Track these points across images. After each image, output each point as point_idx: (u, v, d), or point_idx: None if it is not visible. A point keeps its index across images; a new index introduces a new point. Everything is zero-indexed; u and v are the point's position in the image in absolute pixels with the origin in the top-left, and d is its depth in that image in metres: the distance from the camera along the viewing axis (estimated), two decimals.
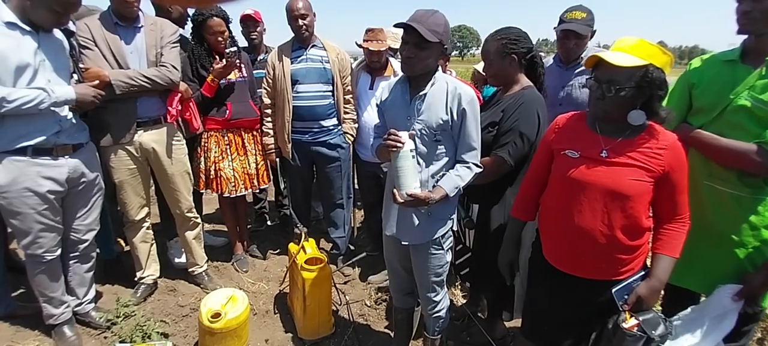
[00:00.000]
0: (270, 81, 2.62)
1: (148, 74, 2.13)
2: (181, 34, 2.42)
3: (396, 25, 1.55)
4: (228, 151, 2.66)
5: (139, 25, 2.19)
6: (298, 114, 2.61)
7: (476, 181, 1.71)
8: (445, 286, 1.83)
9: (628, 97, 1.24)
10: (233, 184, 2.67)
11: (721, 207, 1.52)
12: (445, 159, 1.62)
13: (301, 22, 2.51)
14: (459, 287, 2.73)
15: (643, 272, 1.38)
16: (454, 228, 1.75)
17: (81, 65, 2.07)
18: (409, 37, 1.51)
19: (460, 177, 1.58)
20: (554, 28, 2.30)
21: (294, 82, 2.57)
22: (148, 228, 2.44)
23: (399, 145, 1.47)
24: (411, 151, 1.50)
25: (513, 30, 1.81)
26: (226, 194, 2.67)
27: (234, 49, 2.45)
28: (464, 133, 1.58)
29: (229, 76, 2.56)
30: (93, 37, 2.07)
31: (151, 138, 2.27)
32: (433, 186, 1.59)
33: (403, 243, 1.71)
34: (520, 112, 1.72)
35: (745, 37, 1.47)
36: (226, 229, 3.07)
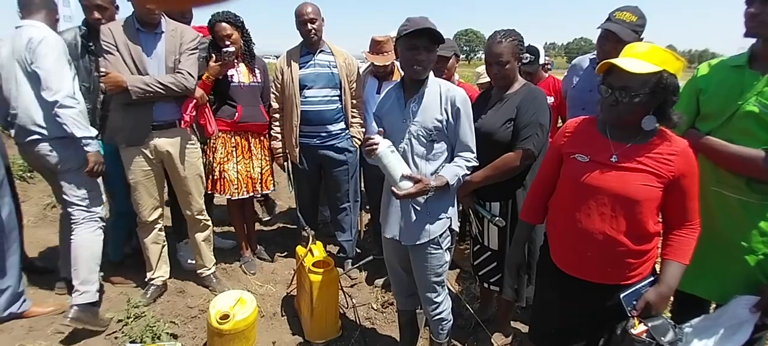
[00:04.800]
0: (278, 86, 2.65)
1: (163, 81, 2.18)
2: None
3: (412, 33, 1.54)
4: (234, 153, 2.69)
5: (161, 32, 2.24)
6: (306, 118, 2.63)
7: (502, 177, 1.82)
8: (446, 287, 1.84)
9: (641, 103, 1.24)
10: (236, 186, 2.69)
11: (730, 213, 1.51)
12: (443, 157, 1.67)
13: (310, 26, 2.54)
14: (463, 293, 2.73)
15: (652, 278, 1.37)
16: (474, 230, 1.76)
17: (102, 69, 2.14)
18: (419, 42, 1.55)
19: (460, 168, 1.63)
20: (597, 27, 2.04)
21: (302, 87, 2.60)
22: (160, 229, 2.48)
23: (375, 145, 1.54)
24: (388, 147, 1.55)
25: (515, 31, 1.87)
26: (228, 196, 2.71)
27: (230, 49, 2.49)
28: (460, 132, 1.64)
29: (243, 79, 2.62)
30: (115, 42, 2.14)
31: (166, 141, 2.31)
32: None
33: (402, 244, 1.73)
34: (537, 105, 1.81)
35: (754, 41, 1.46)
36: (233, 231, 3.10)
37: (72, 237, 2.20)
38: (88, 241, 2.21)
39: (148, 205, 2.37)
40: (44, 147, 2.08)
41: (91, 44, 2.35)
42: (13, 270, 2.17)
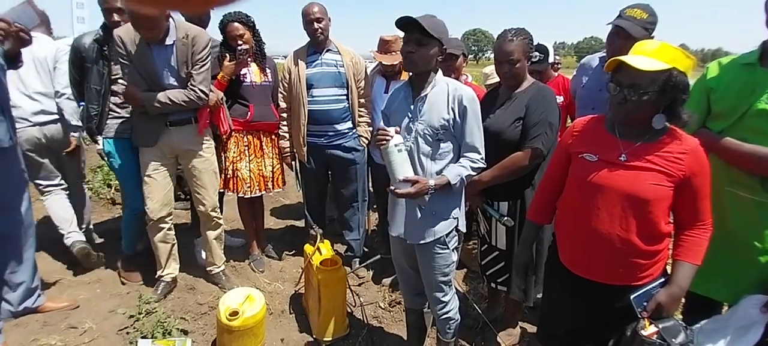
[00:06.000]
0: (286, 85, 2.67)
1: (176, 99, 2.23)
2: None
3: (397, 22, 1.59)
4: (246, 152, 2.72)
5: (171, 43, 2.23)
6: (314, 118, 2.65)
7: (510, 177, 1.80)
8: (453, 286, 1.84)
9: (650, 101, 1.23)
10: (248, 184, 2.72)
11: (743, 214, 1.48)
12: (449, 156, 1.66)
13: (316, 25, 2.55)
14: (471, 293, 2.72)
15: (663, 279, 1.35)
16: (482, 229, 1.75)
17: (121, 81, 2.26)
18: (410, 35, 1.58)
19: (464, 168, 1.62)
20: (607, 23, 2.01)
21: (309, 87, 2.61)
22: (169, 228, 2.50)
23: (386, 139, 1.53)
24: (396, 146, 1.55)
25: (525, 30, 1.86)
26: (241, 194, 2.73)
27: (245, 47, 2.51)
28: (467, 132, 1.62)
29: (255, 79, 2.66)
30: (128, 52, 2.18)
31: (182, 138, 2.36)
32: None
33: (408, 243, 1.74)
34: (546, 104, 1.79)
35: (765, 39, 1.43)
36: (243, 229, 3.13)
37: (50, 201, 2.73)
38: (65, 202, 2.78)
39: (157, 200, 2.38)
40: (56, 127, 2.65)
41: (105, 49, 2.42)
42: (28, 265, 2.21)
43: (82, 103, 2.54)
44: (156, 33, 2.17)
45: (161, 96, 2.21)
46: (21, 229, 2.15)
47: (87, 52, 2.41)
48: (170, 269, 2.56)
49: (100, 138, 2.52)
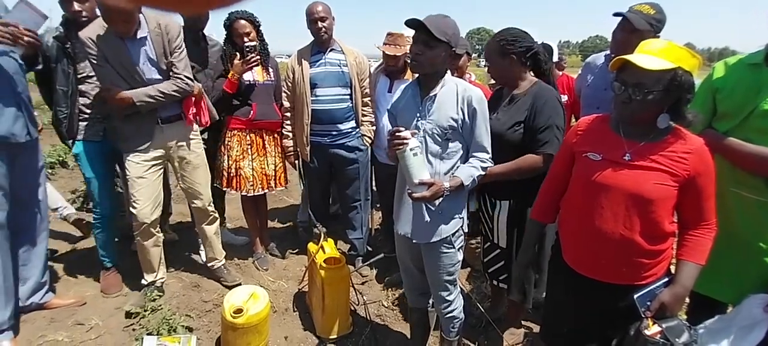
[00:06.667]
0: (289, 84, 2.68)
1: (165, 91, 2.18)
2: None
3: (407, 23, 1.60)
4: (249, 150, 2.73)
5: (144, 35, 2.15)
6: (317, 117, 2.66)
7: (520, 176, 1.79)
8: (458, 285, 1.84)
9: (655, 100, 1.22)
10: (251, 183, 2.74)
11: (748, 214, 1.48)
12: (458, 156, 1.66)
13: (320, 24, 2.56)
14: (474, 292, 2.72)
15: (666, 279, 1.35)
16: (484, 227, 1.75)
17: (101, 86, 2.17)
18: (418, 36, 1.58)
19: (475, 168, 1.62)
20: (613, 13, 2.01)
21: (313, 86, 2.61)
22: (158, 231, 2.41)
23: (404, 143, 1.52)
24: (411, 150, 1.53)
25: (512, 30, 1.84)
26: (244, 193, 2.75)
27: (253, 43, 2.52)
28: (475, 132, 1.63)
29: (257, 78, 2.66)
30: (103, 53, 2.06)
31: (174, 133, 2.35)
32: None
33: (414, 242, 1.74)
34: (550, 107, 1.76)
35: None
36: (246, 227, 3.14)
37: None
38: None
39: (147, 202, 2.28)
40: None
41: (67, 46, 2.23)
42: (39, 260, 2.23)
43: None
44: (131, 26, 2.07)
45: (151, 90, 2.13)
46: (36, 223, 2.17)
47: (49, 50, 2.23)
48: (161, 274, 2.48)
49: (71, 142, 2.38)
